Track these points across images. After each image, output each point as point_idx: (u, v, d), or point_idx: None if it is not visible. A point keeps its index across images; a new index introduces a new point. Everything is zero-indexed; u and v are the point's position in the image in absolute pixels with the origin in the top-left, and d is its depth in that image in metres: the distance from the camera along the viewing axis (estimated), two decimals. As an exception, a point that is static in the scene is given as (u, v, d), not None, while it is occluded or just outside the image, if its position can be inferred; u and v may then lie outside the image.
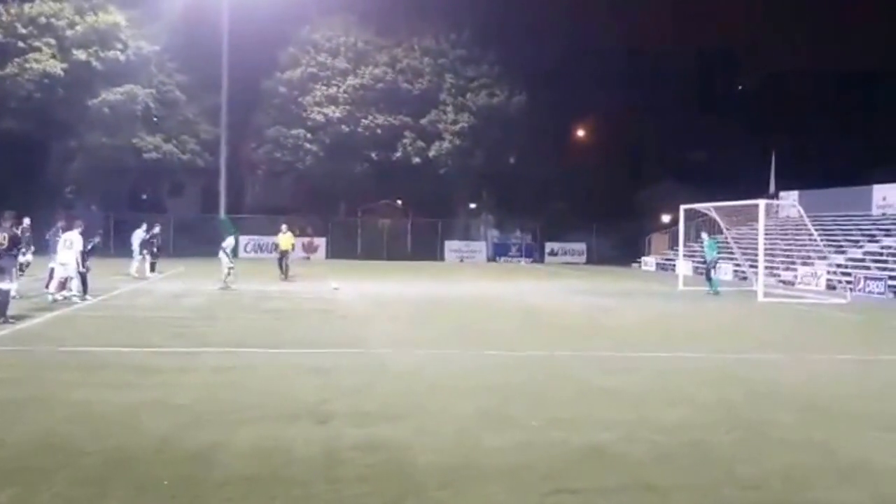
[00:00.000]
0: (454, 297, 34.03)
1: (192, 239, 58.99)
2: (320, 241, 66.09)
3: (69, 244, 26.72)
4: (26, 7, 58.08)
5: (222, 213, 62.90)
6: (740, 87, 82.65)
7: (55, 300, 26.31)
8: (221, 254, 34.09)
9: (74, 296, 27.18)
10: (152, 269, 39.63)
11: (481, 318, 26.20)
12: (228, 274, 33.34)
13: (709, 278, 39.68)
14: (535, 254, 70.80)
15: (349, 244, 67.05)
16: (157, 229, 40.78)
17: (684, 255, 49.95)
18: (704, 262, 41.33)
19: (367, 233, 69.49)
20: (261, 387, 14.24)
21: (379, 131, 68.07)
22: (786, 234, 50.84)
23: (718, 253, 41.62)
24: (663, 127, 71.69)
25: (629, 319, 27.48)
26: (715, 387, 15.29)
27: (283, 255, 40.55)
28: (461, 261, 67.53)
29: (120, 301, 28.40)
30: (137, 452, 10.17)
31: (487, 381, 15.18)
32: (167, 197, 70.94)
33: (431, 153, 68.24)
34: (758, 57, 74.18)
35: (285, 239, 41.08)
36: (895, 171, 54.43)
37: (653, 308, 31.93)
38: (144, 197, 70.05)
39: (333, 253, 64.87)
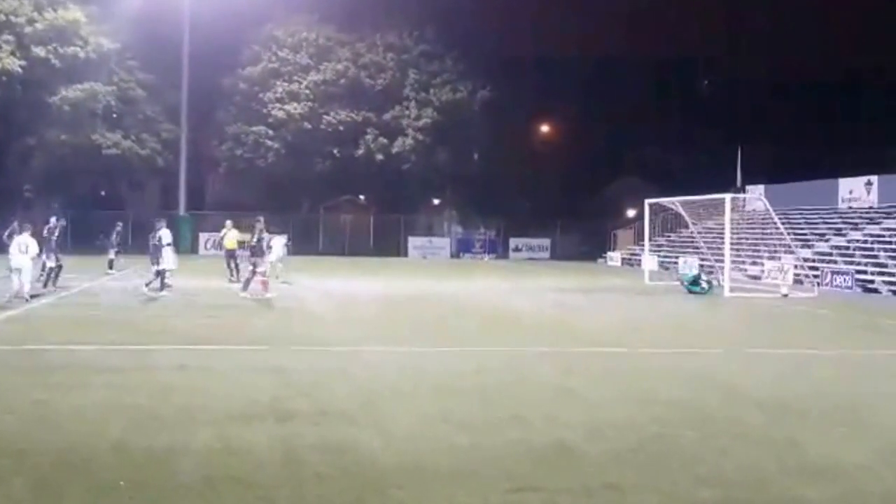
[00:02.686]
0: (416, 294, 34.00)
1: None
2: (282, 240, 65.08)
3: (24, 248, 26.24)
4: (-17, 4, 57.65)
5: (182, 210, 62.63)
6: (706, 83, 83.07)
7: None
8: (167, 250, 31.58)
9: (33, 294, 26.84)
10: (110, 266, 39.23)
11: (443, 316, 26.25)
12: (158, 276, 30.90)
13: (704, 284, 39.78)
14: (498, 250, 70.98)
15: (311, 240, 66.61)
16: (119, 227, 40.66)
17: (650, 251, 50.37)
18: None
19: (329, 229, 69.51)
20: (218, 386, 14.12)
21: (341, 128, 68.03)
22: (753, 229, 51.21)
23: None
24: (626, 125, 72.28)
25: (593, 316, 27.66)
26: (680, 384, 15.30)
27: (230, 254, 37.58)
28: (424, 257, 67.52)
29: (77, 298, 28.25)
30: (93, 454, 10.03)
31: (448, 380, 15.16)
32: (126, 194, 70.47)
33: (394, 149, 68.15)
34: (718, 63, 74.67)
35: (230, 237, 38.07)
36: (861, 164, 55.00)
37: (617, 304, 32.25)
38: (103, 194, 69.61)
39: (295, 249, 64.21)
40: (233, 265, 36.85)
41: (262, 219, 31.05)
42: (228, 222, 38.57)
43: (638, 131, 72.74)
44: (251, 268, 29.69)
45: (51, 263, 29.91)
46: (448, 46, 71.08)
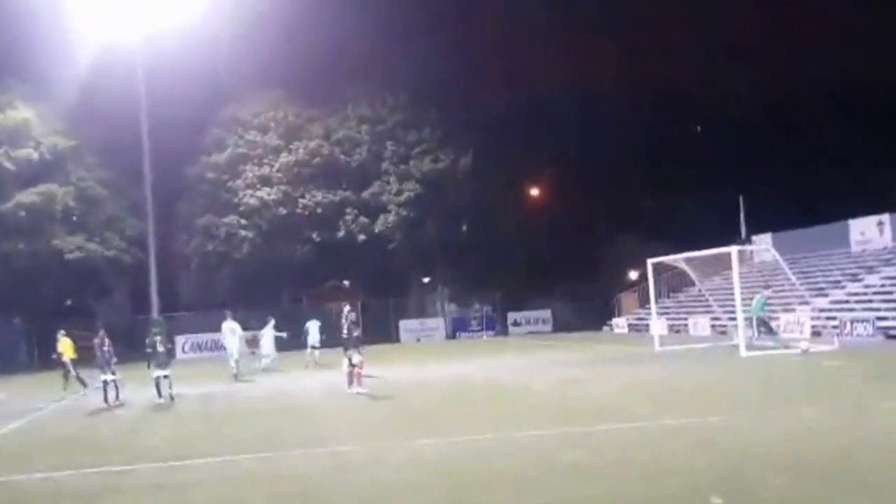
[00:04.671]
0: (413, 381, 34.09)
1: (124, 344, 58.44)
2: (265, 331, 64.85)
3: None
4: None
5: (155, 313, 62.27)
6: (699, 129, 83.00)
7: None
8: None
9: None
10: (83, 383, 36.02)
11: (444, 402, 26.45)
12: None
13: (770, 331, 40.01)
14: (497, 326, 70.87)
15: (297, 333, 65.60)
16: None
17: (657, 313, 50.29)
18: (763, 323, 40.94)
19: (316, 318, 69.04)
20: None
21: (319, 210, 68.05)
22: (763, 282, 51.25)
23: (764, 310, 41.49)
24: (619, 178, 71.82)
25: (604, 389, 27.68)
26: (698, 452, 15.51)
27: (64, 365, 35.57)
28: (418, 340, 67.47)
29: (49, 420, 28.29)
30: None
31: (457, 470, 15.30)
32: (94, 301, 70.28)
33: (377, 228, 68.20)
34: (713, 103, 74.44)
35: (64, 344, 36.00)
36: (870, 203, 54.79)
37: (628, 374, 32.24)
38: (69, 303, 69.25)
39: (279, 343, 64.09)
40: (68, 376, 35.38)
41: (348, 305, 31.59)
42: (61, 331, 36.75)
43: (632, 184, 72.67)
44: (347, 361, 29.64)
45: (105, 377, 30.61)
46: (424, 112, 71.13)
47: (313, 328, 45.25)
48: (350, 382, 29.40)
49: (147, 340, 32.03)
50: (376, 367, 37.87)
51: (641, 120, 73.03)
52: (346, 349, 29.73)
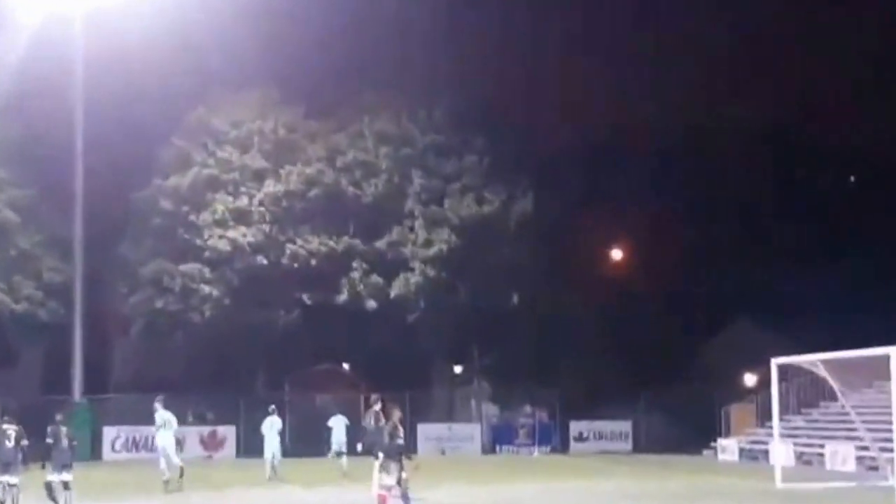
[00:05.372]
0: None
1: (31, 431, 58.23)
2: (227, 432, 65.42)
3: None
4: None
5: (77, 394, 61.85)
6: (851, 179, 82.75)
7: None
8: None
9: None
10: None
11: None
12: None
13: None
14: (554, 440, 70.66)
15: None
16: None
17: (782, 435, 49.72)
18: None
19: (299, 415, 68.13)
20: None
21: (314, 261, 67.72)
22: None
23: None
24: (737, 242, 72.35)
25: None
26: None
27: None
28: (443, 453, 66.41)
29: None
30: None
31: None
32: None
33: (394, 292, 67.84)
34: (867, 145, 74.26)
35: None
36: None
37: None
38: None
39: (248, 448, 63.26)
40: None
41: (379, 398, 33.85)
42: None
43: (754, 252, 72.72)
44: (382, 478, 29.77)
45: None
46: (468, 134, 70.97)
47: (338, 427, 46.66)
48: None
49: (49, 429, 31.75)
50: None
51: (768, 165, 72.93)
52: (385, 460, 29.59)
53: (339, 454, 45.60)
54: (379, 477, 29.85)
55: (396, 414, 30.27)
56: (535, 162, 70.33)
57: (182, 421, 47.12)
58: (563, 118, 70.52)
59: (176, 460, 40.52)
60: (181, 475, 40.93)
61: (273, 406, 48.29)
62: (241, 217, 67.97)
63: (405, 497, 29.42)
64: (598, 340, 71.15)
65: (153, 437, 45.04)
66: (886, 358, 38.77)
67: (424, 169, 70.53)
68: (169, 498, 38.04)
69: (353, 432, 45.43)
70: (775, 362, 45.76)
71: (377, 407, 32.28)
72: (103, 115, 60.55)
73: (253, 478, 45.44)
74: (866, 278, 66.87)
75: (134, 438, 62.18)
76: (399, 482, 29.42)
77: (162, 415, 41.03)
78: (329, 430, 46.68)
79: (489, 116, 70.35)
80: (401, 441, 29.73)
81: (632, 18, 74.90)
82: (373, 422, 31.97)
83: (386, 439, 29.82)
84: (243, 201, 68.24)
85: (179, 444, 43.85)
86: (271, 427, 46.46)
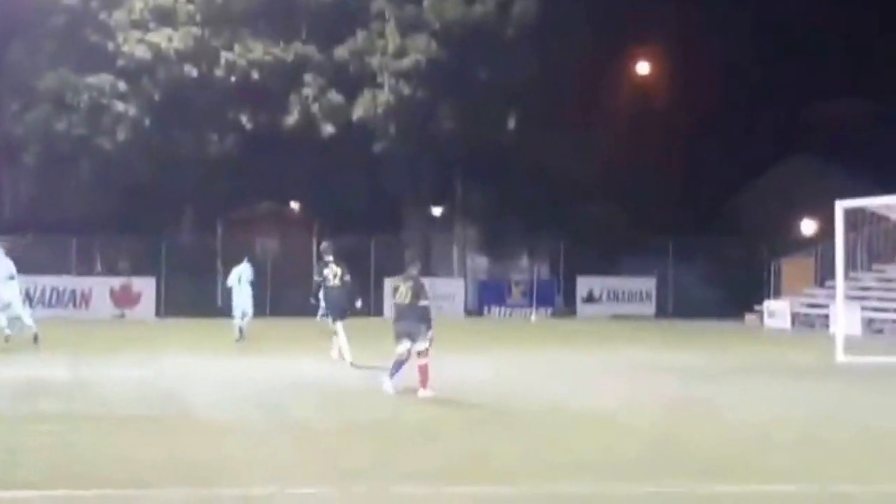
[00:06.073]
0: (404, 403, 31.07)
1: None
2: (144, 285, 65.41)
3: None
4: None
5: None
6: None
7: None
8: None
9: None
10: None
11: (467, 431, 25.48)
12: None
13: None
14: (556, 300, 71.66)
15: (200, 288, 66.22)
16: None
17: (847, 297, 48.82)
18: None
19: (233, 264, 67.11)
20: None
21: (255, 74, 67.04)
22: None
23: None
24: (791, 52, 71.90)
25: (742, 421, 26.95)
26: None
27: None
28: (417, 314, 65.78)
29: None
30: None
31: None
32: None
33: (356, 114, 67.39)
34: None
35: None
36: None
37: (786, 399, 31.68)
38: None
39: (170, 306, 65.05)
40: None
41: (330, 247, 35.85)
42: None
43: (811, 67, 72.33)
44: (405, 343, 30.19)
45: None
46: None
47: (245, 276, 47.97)
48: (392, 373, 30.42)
49: None
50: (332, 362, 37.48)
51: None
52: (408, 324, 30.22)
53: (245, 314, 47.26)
54: (399, 346, 29.89)
55: (416, 268, 31.68)
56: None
57: (89, 271, 46.11)
58: None
59: (28, 319, 41.77)
60: (35, 340, 41.80)
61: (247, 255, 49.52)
62: (165, 17, 67.05)
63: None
64: (615, 176, 70.82)
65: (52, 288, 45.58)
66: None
67: (398, -44, 69.09)
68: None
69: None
70: (841, 206, 44.71)
71: (329, 258, 32.47)
72: None
73: (183, 341, 46.48)
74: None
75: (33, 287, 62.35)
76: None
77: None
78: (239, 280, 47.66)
79: None
80: (425, 302, 30.25)
81: None
82: (332, 277, 33.09)
83: (407, 299, 30.04)
84: (168, -1, 66.29)
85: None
86: (241, 278, 47.23)
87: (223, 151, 67.37)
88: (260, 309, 60.43)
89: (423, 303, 30.17)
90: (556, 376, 36.51)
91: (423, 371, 29.90)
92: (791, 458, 21.48)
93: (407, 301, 30.06)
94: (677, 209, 69.85)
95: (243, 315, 46.85)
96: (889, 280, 61.07)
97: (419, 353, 29.81)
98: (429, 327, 29.97)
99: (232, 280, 47.63)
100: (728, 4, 71.31)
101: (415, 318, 29.96)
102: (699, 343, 50.33)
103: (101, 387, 32.28)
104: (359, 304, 40.95)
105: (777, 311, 64.14)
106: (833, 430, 25.79)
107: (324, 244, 39.98)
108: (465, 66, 67.42)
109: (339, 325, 35.25)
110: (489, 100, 68.48)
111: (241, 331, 46.43)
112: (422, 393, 29.65)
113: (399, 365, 30.11)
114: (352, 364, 35.47)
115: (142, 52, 65.47)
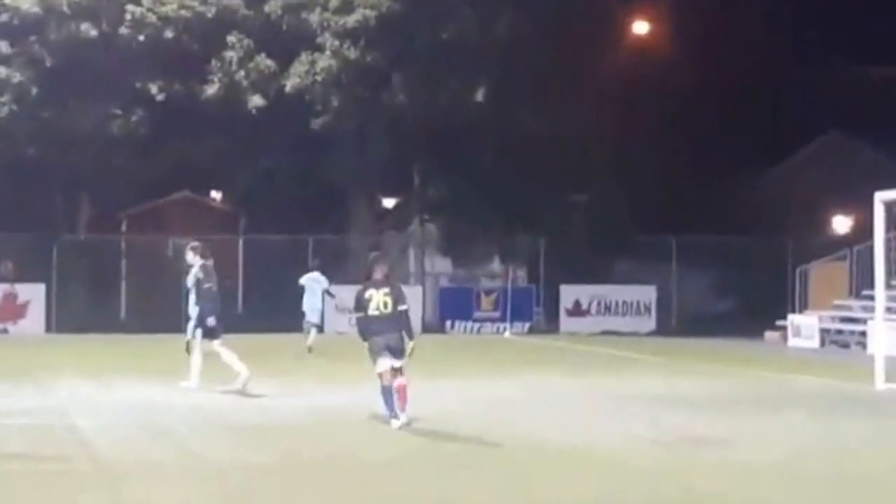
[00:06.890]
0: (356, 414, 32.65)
1: None
2: (33, 293, 66.09)
3: None
4: None
5: None
6: None
7: None
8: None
9: None
10: None
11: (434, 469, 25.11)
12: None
13: None
14: (535, 313, 72.09)
15: (100, 297, 65.71)
16: None
17: (888, 309, 48.84)
18: None
19: (141, 269, 68.34)
20: None
21: (168, 33, 67.33)
22: None
23: None
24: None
25: (757, 459, 26.23)
26: None
27: None
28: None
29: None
30: None
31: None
32: None
33: (291, 83, 67.93)
34: None
35: None
36: None
37: (811, 434, 31.07)
38: None
39: (63, 319, 64.81)
40: None
41: (201, 247, 36.19)
42: None
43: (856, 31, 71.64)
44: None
45: None
46: None
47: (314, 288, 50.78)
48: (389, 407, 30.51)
49: None
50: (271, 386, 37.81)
51: None
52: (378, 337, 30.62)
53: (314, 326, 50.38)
54: (380, 363, 29.99)
55: (382, 271, 30.98)
56: None
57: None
58: None
59: None
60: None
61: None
62: (56, -37, 65.45)
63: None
64: (608, 162, 71.73)
65: None
66: None
67: None
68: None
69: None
70: (881, 198, 43.64)
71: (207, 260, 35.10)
72: None
73: (79, 362, 45.54)
74: None
75: None
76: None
77: None
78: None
79: None
80: (404, 307, 30.79)
81: None
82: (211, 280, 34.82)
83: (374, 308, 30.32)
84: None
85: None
86: (314, 285, 50.53)
87: (128, 128, 67.38)
88: (168, 322, 60.91)
89: (402, 307, 30.26)
90: (536, 405, 36.16)
91: (403, 391, 29.76)
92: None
93: (388, 311, 30.00)
94: (683, 203, 69.71)
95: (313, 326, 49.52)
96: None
97: (395, 370, 29.78)
98: (411, 337, 30.13)
99: (304, 280, 50.43)
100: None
101: (396, 328, 30.01)
102: (709, 366, 50.30)
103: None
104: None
105: (803, 326, 63.89)
106: (871, 470, 24.99)
107: (194, 244, 39.52)
108: (424, 24, 68.12)
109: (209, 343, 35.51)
110: (454, 66, 69.13)
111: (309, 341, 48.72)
112: (395, 423, 29.67)
113: (388, 393, 29.94)
114: (186, 387, 35.96)
115: (29, 6, 65.69)
